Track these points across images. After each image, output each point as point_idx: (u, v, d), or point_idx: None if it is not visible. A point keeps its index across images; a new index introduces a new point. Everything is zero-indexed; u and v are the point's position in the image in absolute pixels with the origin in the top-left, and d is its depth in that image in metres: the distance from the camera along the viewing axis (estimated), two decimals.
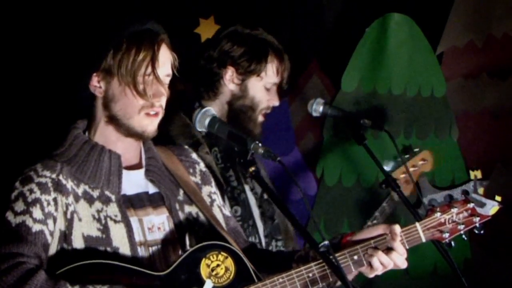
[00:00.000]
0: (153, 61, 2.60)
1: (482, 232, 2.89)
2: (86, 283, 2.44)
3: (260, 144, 2.57)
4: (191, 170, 2.83)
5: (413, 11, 4.95)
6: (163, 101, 2.65)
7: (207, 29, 4.83)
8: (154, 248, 2.63)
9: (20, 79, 4.27)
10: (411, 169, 3.76)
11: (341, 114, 3.56)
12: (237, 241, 2.81)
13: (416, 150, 3.87)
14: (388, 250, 2.69)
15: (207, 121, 2.67)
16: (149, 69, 2.60)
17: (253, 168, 2.57)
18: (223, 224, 2.81)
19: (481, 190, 4.94)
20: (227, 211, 2.89)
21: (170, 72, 2.67)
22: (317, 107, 3.57)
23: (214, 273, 2.54)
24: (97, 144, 2.65)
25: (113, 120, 2.65)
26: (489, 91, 5.07)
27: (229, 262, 2.56)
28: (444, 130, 5.04)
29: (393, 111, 4.97)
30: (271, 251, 2.87)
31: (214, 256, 2.55)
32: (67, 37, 4.19)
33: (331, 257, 2.50)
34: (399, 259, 2.69)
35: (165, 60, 2.65)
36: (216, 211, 2.81)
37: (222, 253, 2.56)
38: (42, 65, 4.23)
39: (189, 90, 4.77)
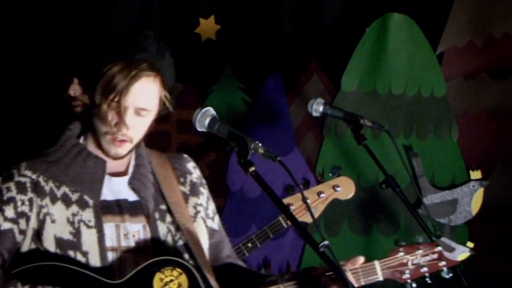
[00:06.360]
0: (122, 90, 2.56)
1: (450, 275, 2.80)
2: (37, 284, 2.51)
3: (260, 144, 2.56)
4: (181, 180, 2.81)
5: (413, 11, 4.95)
6: (129, 133, 2.61)
7: (207, 29, 4.83)
8: (127, 254, 2.64)
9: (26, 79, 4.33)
10: (323, 194, 3.67)
11: (341, 114, 3.56)
12: (217, 256, 2.81)
13: (333, 175, 3.73)
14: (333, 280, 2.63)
15: (207, 121, 2.65)
16: (117, 97, 2.56)
17: (253, 168, 2.56)
18: (205, 237, 2.78)
19: (481, 190, 4.97)
20: (214, 224, 2.84)
21: (147, 107, 2.61)
22: (317, 107, 3.56)
23: (166, 287, 2.57)
24: (85, 149, 2.67)
25: None
26: (489, 91, 5.06)
27: (183, 279, 2.58)
28: (444, 130, 5.04)
29: (393, 111, 4.97)
30: (251, 271, 2.85)
31: (169, 271, 2.58)
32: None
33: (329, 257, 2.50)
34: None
35: (143, 94, 2.59)
36: (198, 223, 2.78)
37: (177, 269, 2.58)
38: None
39: (188, 90, 4.79)
